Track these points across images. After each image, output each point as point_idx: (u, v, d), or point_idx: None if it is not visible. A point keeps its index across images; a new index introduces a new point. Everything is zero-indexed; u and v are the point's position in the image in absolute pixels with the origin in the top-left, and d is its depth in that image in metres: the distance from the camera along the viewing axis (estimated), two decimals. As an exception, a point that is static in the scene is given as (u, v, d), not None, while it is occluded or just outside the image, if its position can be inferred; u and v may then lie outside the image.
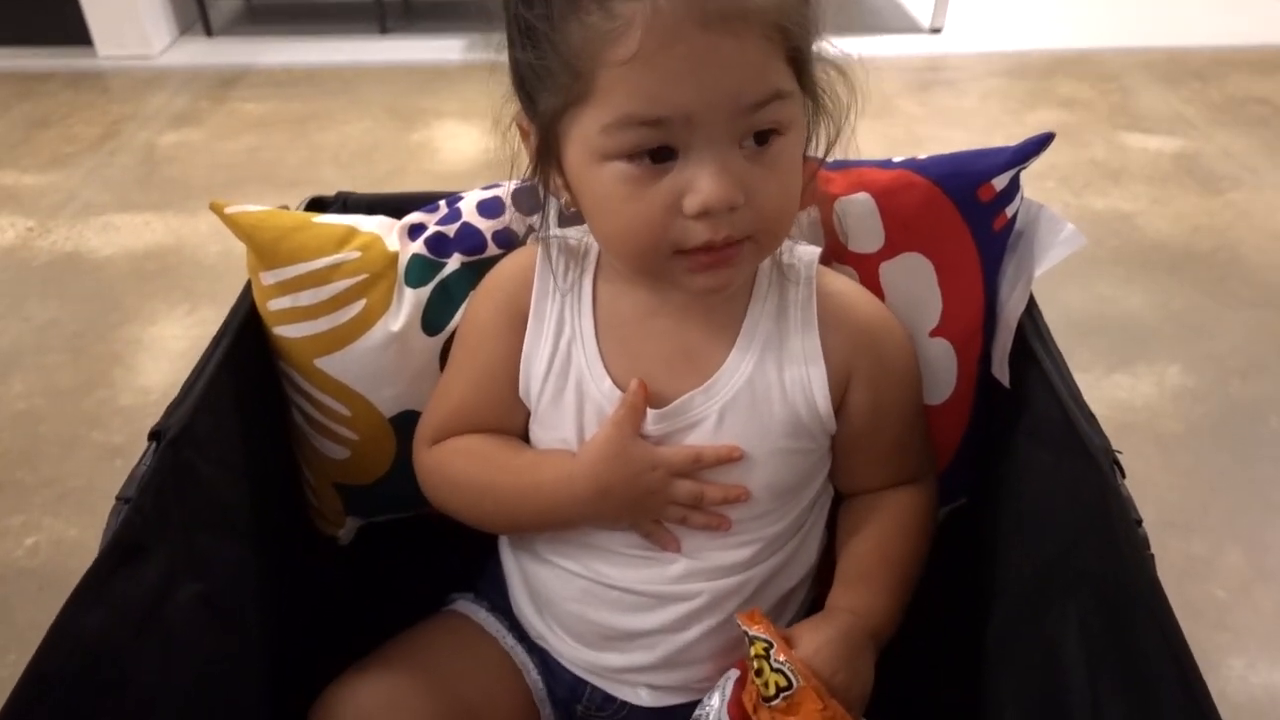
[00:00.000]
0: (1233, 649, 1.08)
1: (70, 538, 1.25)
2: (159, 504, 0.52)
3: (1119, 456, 0.53)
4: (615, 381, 0.61)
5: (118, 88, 2.58)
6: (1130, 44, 2.74)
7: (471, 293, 0.68)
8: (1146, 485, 1.31)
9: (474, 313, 0.66)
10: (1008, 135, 2.44)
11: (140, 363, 1.55)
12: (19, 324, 1.65)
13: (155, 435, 0.54)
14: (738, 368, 0.61)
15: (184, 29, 2.88)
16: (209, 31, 2.86)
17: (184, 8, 2.85)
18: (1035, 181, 2.09)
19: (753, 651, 0.56)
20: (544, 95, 0.52)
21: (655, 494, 0.60)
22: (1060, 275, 1.67)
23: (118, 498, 0.51)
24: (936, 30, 2.82)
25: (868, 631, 0.61)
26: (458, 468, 0.65)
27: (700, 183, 0.50)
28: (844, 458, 0.65)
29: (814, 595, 0.67)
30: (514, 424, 0.65)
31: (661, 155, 0.50)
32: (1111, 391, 1.46)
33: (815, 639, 0.58)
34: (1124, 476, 0.52)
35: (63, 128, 2.34)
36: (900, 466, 0.66)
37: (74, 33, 2.68)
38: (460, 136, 2.25)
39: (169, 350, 1.58)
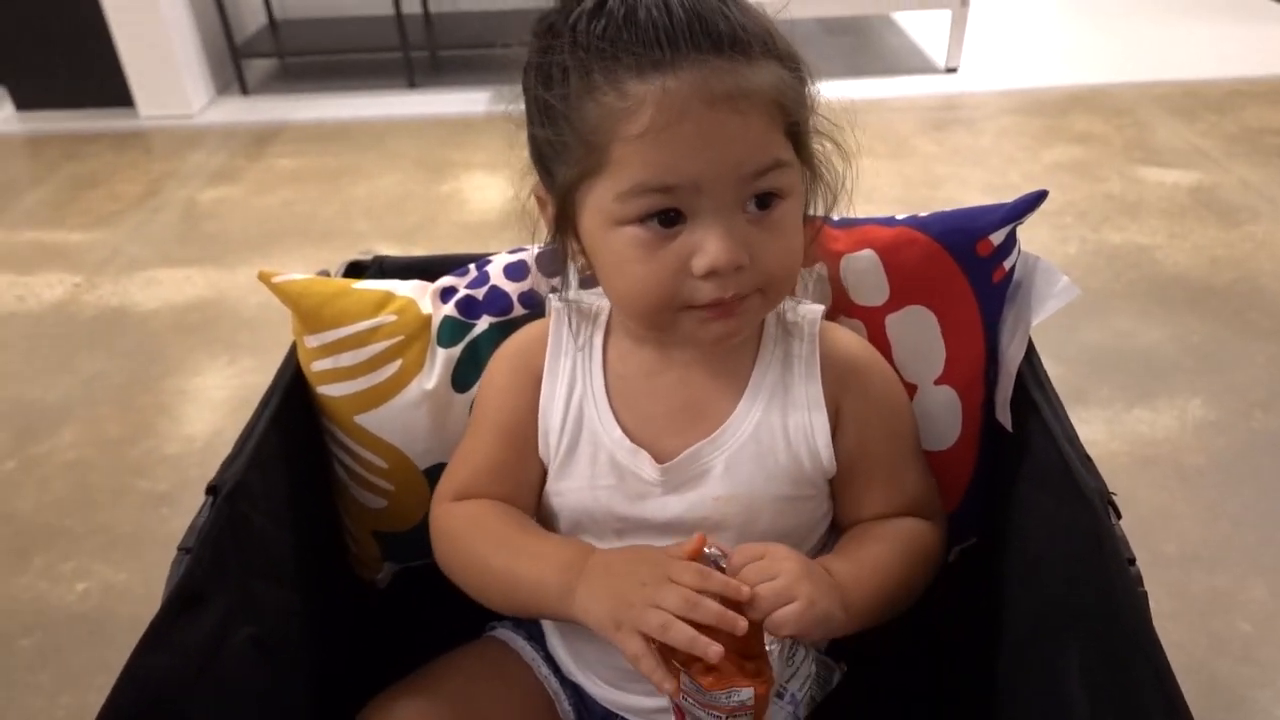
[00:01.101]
0: (1258, 682, 1.09)
1: (119, 583, 1.30)
2: (216, 554, 0.57)
3: (1114, 497, 0.55)
4: (625, 431, 0.64)
5: (159, 146, 2.69)
6: (1144, 78, 2.76)
7: (490, 360, 0.71)
8: (1169, 518, 1.32)
9: (491, 377, 0.70)
10: (1024, 173, 2.48)
11: (184, 413, 1.62)
12: (69, 377, 1.73)
13: (212, 490, 0.59)
14: (745, 419, 0.64)
15: (221, 88, 3.00)
16: (245, 90, 2.97)
17: (221, 68, 2.97)
18: (1052, 218, 2.12)
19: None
20: (560, 168, 0.57)
21: (645, 587, 0.54)
22: (1079, 311, 1.69)
23: (179, 548, 0.55)
24: (952, 70, 2.87)
25: (833, 588, 0.58)
26: (464, 538, 0.66)
27: (708, 245, 0.54)
28: (841, 490, 0.67)
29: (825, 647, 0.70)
30: (531, 482, 0.68)
31: (670, 220, 0.54)
32: (1133, 426, 1.48)
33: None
34: (1119, 517, 0.55)
35: (107, 187, 2.45)
36: (896, 496, 0.66)
37: (117, 95, 2.81)
38: (488, 187, 2.32)
39: (211, 400, 1.64)
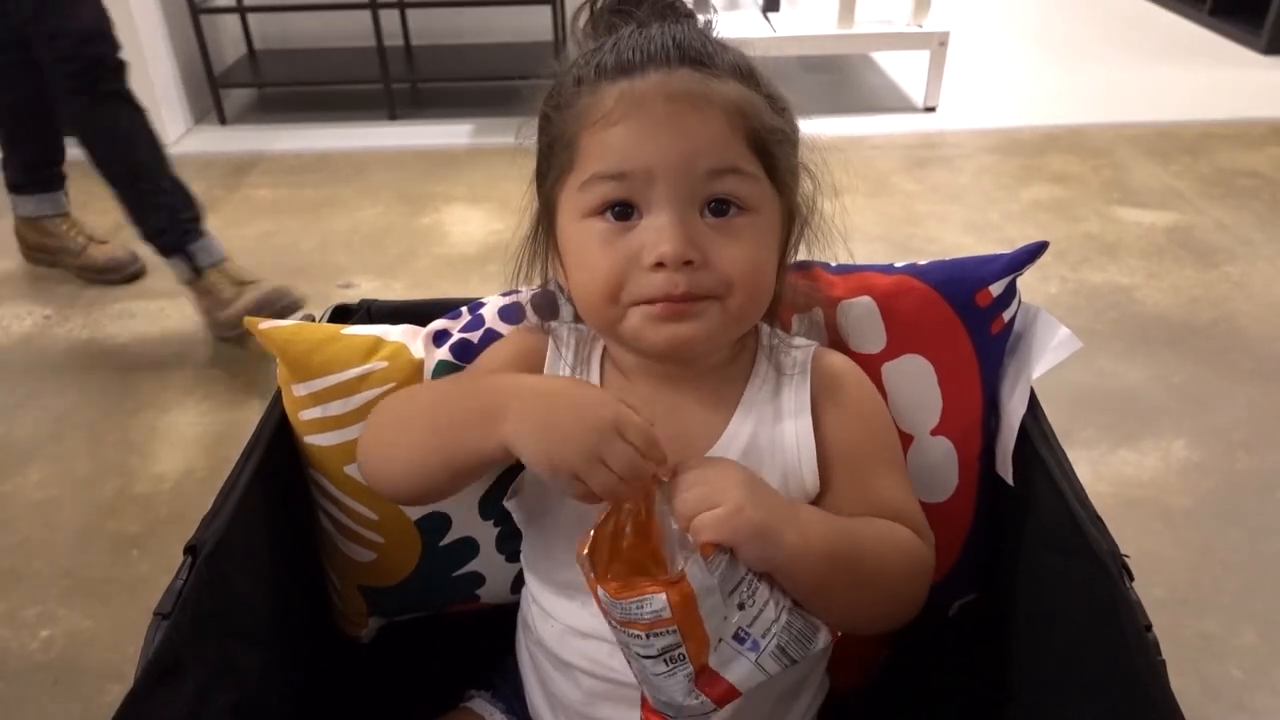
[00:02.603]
0: (1251, 731, 1.08)
1: (85, 629, 1.25)
2: (195, 619, 0.54)
3: (1126, 559, 0.54)
4: None
5: (135, 176, 2.64)
6: (1120, 119, 2.81)
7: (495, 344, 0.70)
8: (1157, 562, 1.32)
9: (498, 348, 0.69)
10: (1003, 211, 2.50)
11: (155, 450, 1.57)
12: (37, 413, 1.68)
13: (191, 549, 0.56)
14: (734, 439, 0.63)
15: (199, 118, 2.98)
16: (223, 120, 2.95)
17: (199, 97, 2.95)
18: (1032, 256, 2.13)
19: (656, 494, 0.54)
20: (549, 174, 0.61)
21: (589, 432, 0.53)
22: (1061, 351, 1.70)
23: (156, 613, 0.53)
24: (931, 109, 2.91)
25: (788, 510, 0.56)
26: (388, 410, 0.65)
27: (657, 236, 0.55)
28: (817, 499, 0.64)
29: (827, 685, 0.68)
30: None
31: (625, 214, 0.57)
32: (1118, 468, 1.48)
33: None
34: (1132, 580, 0.54)
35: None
36: (871, 502, 0.63)
37: (93, 123, 2.76)
38: (469, 220, 2.31)
39: (184, 437, 1.60)
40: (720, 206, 0.57)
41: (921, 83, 2.91)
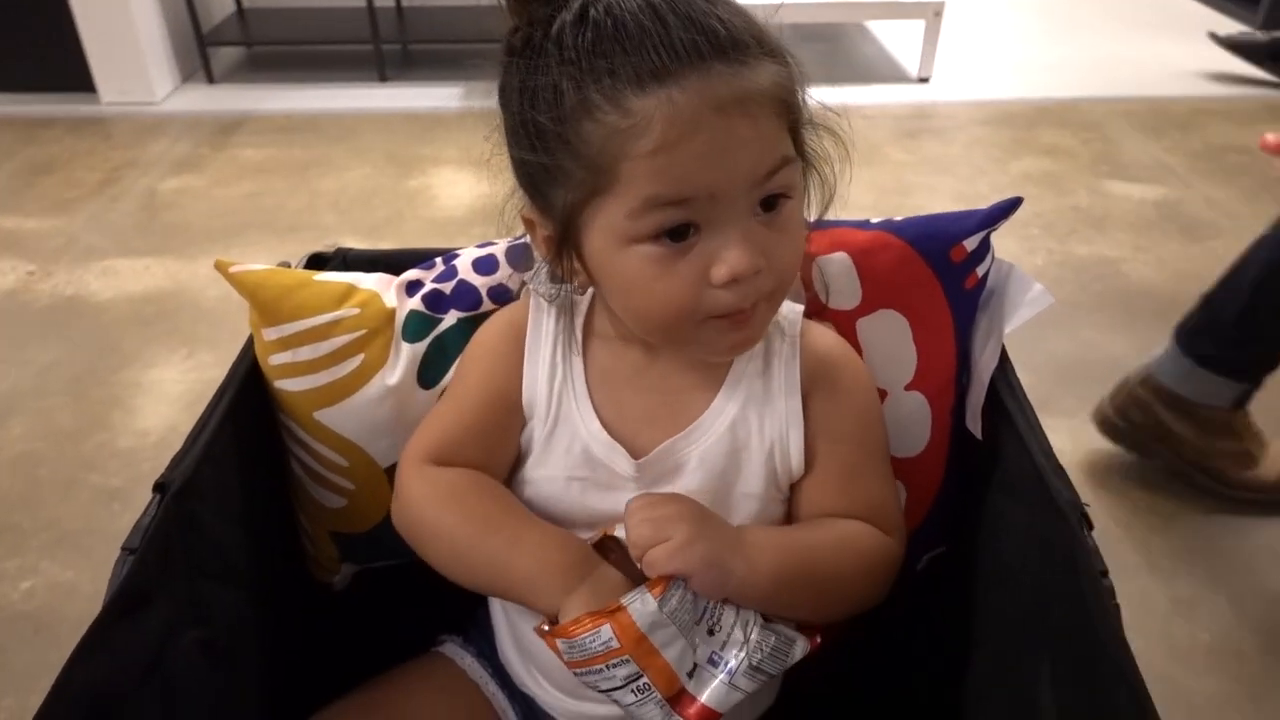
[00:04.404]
0: (1218, 692, 1.10)
1: (66, 580, 1.26)
2: (163, 554, 0.54)
3: (1087, 509, 0.55)
4: (604, 424, 0.63)
5: (120, 134, 2.63)
6: (1112, 94, 2.80)
7: (477, 331, 0.69)
8: (1132, 527, 1.33)
9: (479, 343, 0.68)
10: (992, 183, 2.49)
11: (139, 406, 1.57)
12: (19, 368, 1.68)
13: (160, 487, 0.56)
14: (720, 414, 0.63)
15: (186, 76, 2.94)
16: (211, 79, 2.92)
17: (187, 55, 2.91)
18: (1020, 229, 2.13)
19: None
20: (558, 191, 0.54)
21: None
22: (1046, 321, 1.70)
23: (123, 548, 0.53)
24: (924, 80, 2.89)
25: (734, 539, 0.58)
26: (441, 511, 0.64)
27: (727, 254, 0.53)
28: (796, 486, 0.65)
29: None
30: (505, 458, 0.66)
31: (682, 234, 0.53)
32: (1096, 436, 1.49)
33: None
34: (1091, 529, 0.54)
35: (65, 173, 2.39)
36: (850, 501, 0.63)
37: (78, 80, 2.74)
38: (458, 183, 2.30)
39: (167, 394, 1.60)
40: (770, 200, 0.54)
41: (916, 53, 2.90)
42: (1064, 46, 3.23)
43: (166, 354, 1.70)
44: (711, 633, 0.56)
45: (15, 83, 2.78)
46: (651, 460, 0.62)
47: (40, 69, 2.76)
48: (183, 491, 0.57)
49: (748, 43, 0.52)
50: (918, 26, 2.87)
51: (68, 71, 2.73)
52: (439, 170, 2.37)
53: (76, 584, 1.25)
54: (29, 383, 1.64)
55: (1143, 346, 1.71)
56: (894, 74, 2.99)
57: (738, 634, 0.56)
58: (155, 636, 0.53)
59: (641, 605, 0.53)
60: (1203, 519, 1.36)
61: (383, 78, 2.92)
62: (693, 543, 0.55)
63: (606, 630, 0.53)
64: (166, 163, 2.45)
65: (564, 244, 0.57)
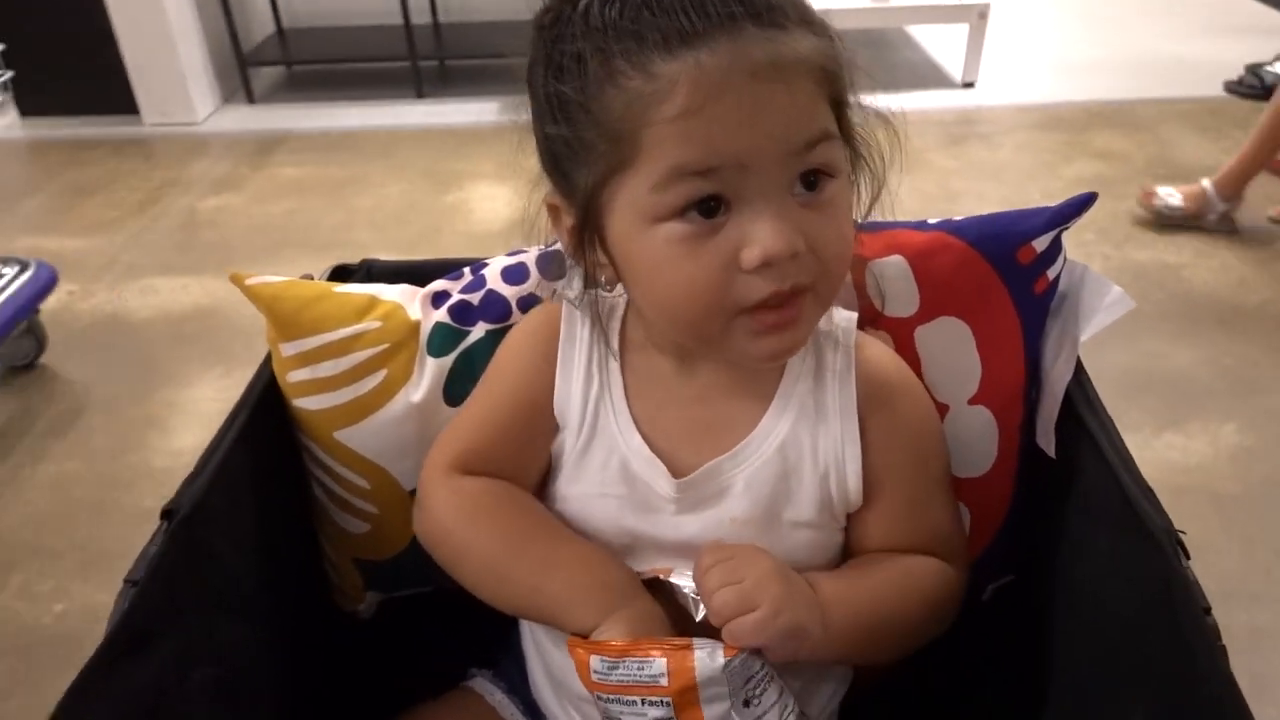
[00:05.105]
0: (1307, 730, 1.02)
1: (100, 603, 1.22)
2: (169, 586, 0.51)
3: (1182, 536, 0.49)
4: (645, 439, 0.58)
5: (161, 154, 2.65)
6: (1166, 94, 2.71)
7: (509, 333, 0.65)
8: (1205, 551, 1.24)
9: (511, 344, 0.64)
10: (1043, 189, 2.42)
11: (174, 425, 1.56)
12: (59, 387, 1.67)
13: (166, 514, 0.53)
14: (769, 434, 0.58)
15: (227, 97, 2.97)
16: (251, 99, 2.94)
17: (228, 76, 2.94)
18: (1073, 234, 2.02)
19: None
20: (581, 169, 0.51)
21: None
22: (1104, 331, 1.62)
23: (126, 580, 0.49)
24: (969, 84, 2.82)
25: (815, 603, 0.54)
26: (472, 527, 0.60)
27: (758, 233, 0.48)
28: (854, 517, 0.60)
29: (850, 674, 0.64)
30: (535, 467, 0.62)
31: (713, 209, 0.49)
32: (1164, 452, 1.41)
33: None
34: (1188, 559, 0.48)
35: (106, 194, 2.40)
36: (913, 533, 0.60)
37: (121, 102, 2.77)
38: (495, 198, 2.27)
39: (203, 413, 1.59)
40: (811, 178, 0.50)
41: (960, 58, 2.82)
42: (1111, 47, 3.13)
43: (203, 372, 1.69)
44: (748, 704, 0.52)
45: (60, 106, 2.82)
46: (694, 480, 0.58)
47: (85, 92, 2.79)
48: (192, 517, 0.53)
49: (785, 8, 0.48)
50: (961, 31, 2.79)
51: (112, 94, 2.76)
52: (475, 185, 2.35)
53: (110, 607, 1.23)
54: (67, 403, 1.64)
55: (1209, 357, 1.63)
56: (938, 79, 2.92)
57: (774, 714, 0.53)
58: (159, 676, 0.49)
59: (709, 658, 0.50)
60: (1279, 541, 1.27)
61: (420, 94, 2.92)
62: (779, 614, 0.51)
63: (660, 664, 0.49)
64: (206, 182, 2.46)
65: (586, 228, 0.53)
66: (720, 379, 0.59)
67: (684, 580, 0.54)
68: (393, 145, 2.63)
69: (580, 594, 0.55)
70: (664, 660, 0.49)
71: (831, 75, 0.50)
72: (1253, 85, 2.70)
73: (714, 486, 0.58)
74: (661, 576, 0.55)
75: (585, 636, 0.53)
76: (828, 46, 0.50)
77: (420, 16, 2.97)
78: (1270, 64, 2.74)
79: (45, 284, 1.69)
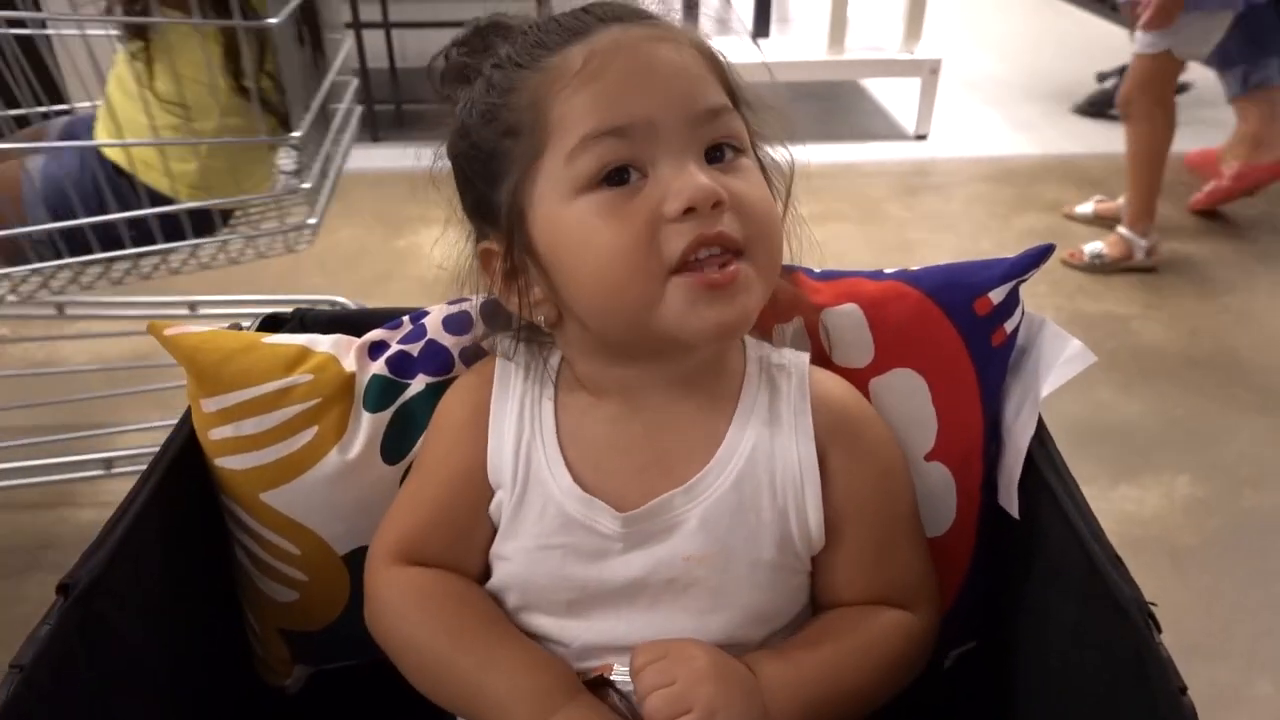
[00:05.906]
0: (1271, 792, 1.00)
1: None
2: (61, 670, 0.46)
3: (1154, 609, 0.47)
4: (576, 479, 0.56)
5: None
6: (1115, 149, 2.76)
7: (440, 400, 0.62)
8: (1163, 605, 1.21)
9: (442, 416, 0.61)
10: (995, 240, 2.44)
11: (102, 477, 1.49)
12: (-17, 436, 1.59)
13: (62, 589, 0.48)
14: (725, 466, 0.55)
15: (177, 138, 2.91)
16: (202, 140, 2.88)
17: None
18: (1026, 287, 2.06)
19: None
20: (500, 184, 0.53)
21: None
22: (1058, 381, 1.64)
23: (11, 664, 0.44)
24: (922, 136, 2.86)
25: (756, 696, 0.52)
26: (414, 621, 0.57)
27: (678, 181, 0.49)
28: (819, 562, 0.58)
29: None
30: (481, 544, 0.59)
31: (625, 177, 0.50)
32: (1119, 504, 1.40)
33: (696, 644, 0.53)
34: (1160, 633, 0.46)
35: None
36: (881, 578, 0.58)
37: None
38: (448, 242, 2.24)
39: (140, 461, 1.52)
40: (717, 153, 0.52)
41: (913, 110, 2.87)
42: (1061, 102, 3.21)
43: (138, 419, 1.62)
44: None
45: None
46: (641, 515, 0.54)
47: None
48: (90, 592, 0.48)
49: (671, 21, 0.54)
50: (914, 84, 2.85)
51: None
52: (429, 229, 2.30)
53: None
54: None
55: (1160, 407, 1.63)
56: (891, 131, 2.96)
57: None
58: (44, 773, 0.44)
59: None
60: (1241, 596, 1.26)
61: (375, 138, 2.89)
62: (713, 716, 0.49)
63: None
64: (151, 224, 2.39)
65: (514, 246, 0.54)
66: (669, 413, 0.56)
67: (625, 678, 0.51)
68: (346, 188, 2.57)
69: (521, 695, 0.52)
70: None
71: (718, 63, 0.55)
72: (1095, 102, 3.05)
73: (663, 522, 0.55)
74: (604, 674, 0.53)
75: None
76: (714, 53, 0.55)
77: (377, 61, 2.95)
78: (1109, 75, 3.02)
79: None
